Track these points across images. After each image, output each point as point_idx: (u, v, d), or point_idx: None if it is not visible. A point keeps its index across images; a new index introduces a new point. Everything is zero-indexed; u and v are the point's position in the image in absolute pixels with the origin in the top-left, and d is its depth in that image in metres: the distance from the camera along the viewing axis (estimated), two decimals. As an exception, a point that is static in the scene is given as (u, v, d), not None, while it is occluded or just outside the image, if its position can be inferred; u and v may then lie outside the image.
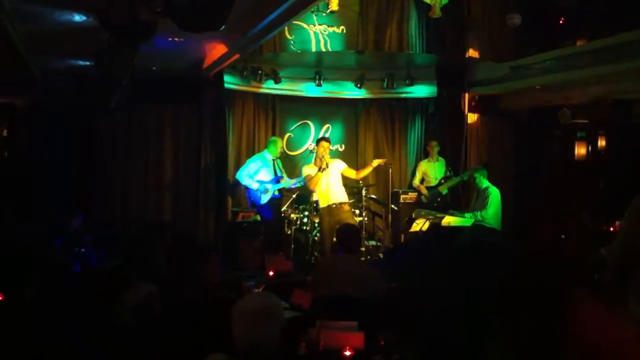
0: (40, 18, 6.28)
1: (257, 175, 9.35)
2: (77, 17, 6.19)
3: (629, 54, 7.46)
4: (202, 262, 4.10)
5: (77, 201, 8.95)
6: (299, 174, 9.81)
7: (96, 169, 9.74)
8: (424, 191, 10.15)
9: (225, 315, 2.79)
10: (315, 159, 8.83)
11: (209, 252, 4.33)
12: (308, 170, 8.75)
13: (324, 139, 8.94)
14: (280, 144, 9.72)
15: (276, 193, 9.47)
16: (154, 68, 8.88)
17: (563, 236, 9.34)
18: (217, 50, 8.15)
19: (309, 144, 11.23)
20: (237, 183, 9.72)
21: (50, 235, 6.30)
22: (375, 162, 8.96)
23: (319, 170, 8.54)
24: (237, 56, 8.35)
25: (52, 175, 9.18)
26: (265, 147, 9.75)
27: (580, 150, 10.11)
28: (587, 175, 9.64)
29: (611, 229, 7.87)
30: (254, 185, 9.30)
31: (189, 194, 10.20)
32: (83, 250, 6.59)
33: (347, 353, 3.91)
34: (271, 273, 6.62)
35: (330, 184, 8.68)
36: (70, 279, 4.32)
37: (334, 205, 8.66)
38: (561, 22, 9.09)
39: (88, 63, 8.15)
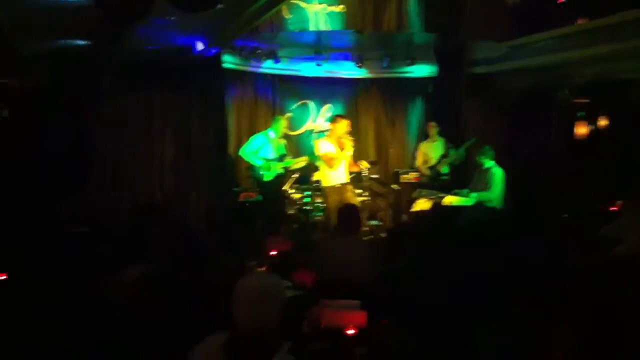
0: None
1: (261, 153, 9.34)
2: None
3: (628, 33, 7.43)
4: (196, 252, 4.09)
5: (68, 187, 8.87)
6: (300, 155, 9.83)
7: (87, 154, 9.63)
8: (425, 171, 10.15)
9: (227, 293, 2.80)
10: (331, 136, 8.68)
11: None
12: (327, 147, 8.55)
13: (340, 116, 8.89)
14: (284, 123, 9.67)
15: (280, 171, 9.45)
16: (148, 47, 8.81)
17: (565, 215, 9.33)
18: (213, 30, 8.09)
19: (309, 124, 11.22)
20: (239, 162, 9.72)
21: (40, 223, 6.27)
22: (364, 165, 9.23)
23: (341, 149, 8.50)
24: (234, 35, 8.30)
25: (41, 160, 9.09)
26: (269, 126, 9.72)
27: (581, 129, 10.10)
28: (587, 155, 9.64)
29: (612, 208, 7.87)
30: (257, 162, 9.30)
31: (191, 173, 10.17)
32: (73, 236, 6.55)
33: (350, 331, 3.94)
34: (273, 253, 6.63)
35: (341, 165, 8.66)
36: (59, 266, 4.30)
37: (339, 185, 8.64)
38: (559, 1, 9.05)
39: (81, 44, 8.11)
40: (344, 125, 8.54)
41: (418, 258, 4.64)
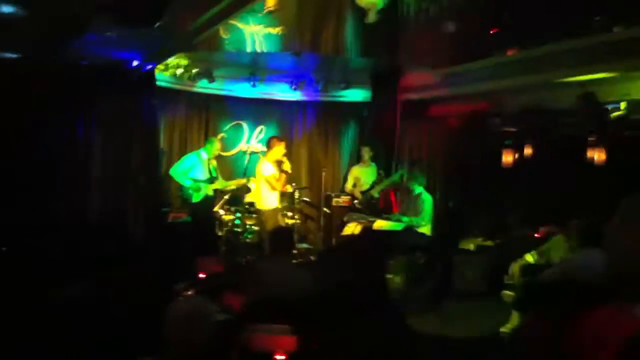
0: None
1: (192, 173, 9.22)
2: (5, 9, 5.94)
3: (553, 64, 7.68)
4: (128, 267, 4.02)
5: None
6: (232, 176, 9.77)
7: (14, 166, 9.27)
8: (359, 195, 10.21)
9: (155, 317, 2.74)
10: (267, 157, 8.78)
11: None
12: (271, 169, 8.65)
13: (277, 138, 8.99)
14: (217, 145, 9.61)
15: (210, 193, 9.35)
16: (84, 62, 8.63)
17: (490, 242, 9.52)
18: (150, 46, 7.98)
19: (243, 145, 11.15)
20: (169, 181, 9.57)
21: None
22: (288, 189, 9.39)
23: (283, 172, 8.65)
24: (169, 54, 8.22)
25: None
26: (200, 146, 9.62)
27: (507, 157, 10.34)
28: (514, 182, 9.86)
29: (536, 235, 8.08)
30: (187, 183, 9.18)
31: (120, 191, 9.92)
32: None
33: (279, 357, 3.88)
34: (202, 275, 6.52)
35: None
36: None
37: (275, 208, 8.76)
38: (493, 32, 9.29)
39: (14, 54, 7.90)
40: (281, 147, 8.69)
41: (349, 281, 4.62)
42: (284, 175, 8.71)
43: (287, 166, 8.72)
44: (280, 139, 9.04)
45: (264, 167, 8.70)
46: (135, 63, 8.69)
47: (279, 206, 8.82)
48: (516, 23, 8.59)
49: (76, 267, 4.32)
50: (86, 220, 8.87)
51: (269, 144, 8.87)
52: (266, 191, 8.69)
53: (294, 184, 9.98)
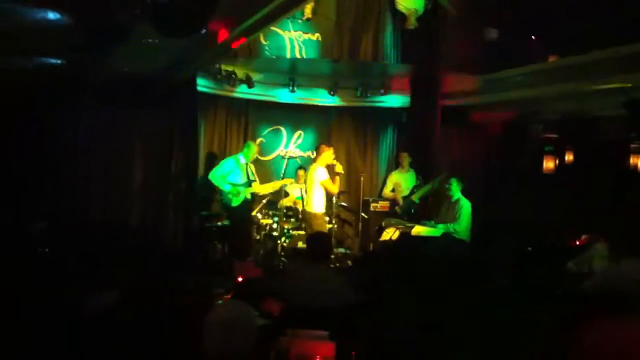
0: (12, 14, 6.16)
1: (230, 177, 9.30)
2: (52, 15, 6.08)
3: (595, 73, 7.59)
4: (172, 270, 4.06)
5: (42, 204, 8.72)
6: (270, 180, 9.85)
7: (64, 172, 9.48)
8: (400, 200, 10.17)
9: (195, 322, 2.75)
10: (319, 163, 8.85)
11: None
12: (325, 174, 8.80)
13: (325, 144, 9.17)
14: (255, 149, 9.66)
15: (248, 197, 9.41)
16: (126, 69, 8.77)
17: (530, 249, 9.41)
18: (192, 53, 8.08)
19: (281, 150, 11.21)
20: (209, 185, 9.66)
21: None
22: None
23: (337, 174, 8.91)
24: (211, 59, 8.31)
25: (11, 181, 8.91)
26: (239, 150, 9.69)
27: (549, 164, 10.22)
28: (554, 190, 9.75)
29: (578, 242, 7.97)
30: (226, 187, 9.25)
31: (159, 198, 10.05)
32: (46, 253, 6.45)
33: (318, 363, 3.89)
34: (240, 279, 6.57)
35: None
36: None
37: (323, 212, 8.96)
38: (533, 38, 9.21)
39: (59, 62, 8.04)
40: (331, 152, 8.85)
41: (387, 287, 4.62)
42: (337, 178, 8.93)
43: (339, 168, 8.92)
44: (328, 144, 9.21)
45: (317, 173, 8.78)
46: (176, 70, 8.79)
47: (324, 210, 8.89)
48: (557, 30, 8.51)
49: (113, 270, 4.37)
50: (123, 224, 8.99)
51: (318, 150, 8.98)
52: (320, 196, 8.80)
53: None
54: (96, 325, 3.59)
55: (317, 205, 8.82)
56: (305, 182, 9.38)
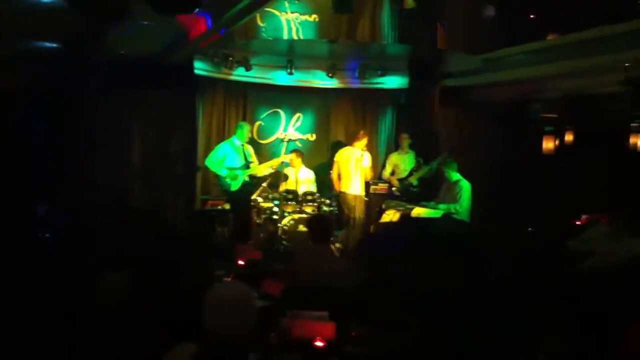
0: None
1: (227, 161, 9.25)
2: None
3: (595, 50, 7.53)
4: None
5: (44, 187, 8.71)
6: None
7: (65, 154, 9.46)
8: (396, 183, 10.18)
9: (196, 303, 2.75)
10: (359, 147, 9.78)
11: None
12: (369, 161, 10.02)
13: (364, 131, 10.12)
14: (248, 129, 9.59)
15: (247, 179, 9.38)
16: (122, 52, 8.71)
17: (530, 229, 9.41)
18: (187, 34, 8.01)
19: (280, 133, 11.15)
20: (207, 170, 9.63)
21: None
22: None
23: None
24: (207, 41, 8.24)
25: (19, 160, 8.91)
26: (234, 133, 9.65)
27: (548, 144, 10.19)
28: (556, 169, 9.73)
29: (578, 222, 7.96)
30: (223, 172, 9.22)
31: (159, 180, 10.03)
32: (48, 237, 6.42)
33: (318, 343, 3.88)
34: (241, 262, 6.55)
35: None
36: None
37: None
38: (532, 16, 9.15)
39: (57, 46, 7.99)
40: (366, 140, 9.81)
41: (388, 268, 4.60)
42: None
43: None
44: (365, 132, 10.09)
45: (365, 159, 9.82)
46: (173, 52, 8.74)
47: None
48: (557, 7, 8.45)
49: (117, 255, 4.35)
50: (124, 209, 8.97)
51: (358, 137, 9.84)
52: (359, 180, 9.75)
53: (331, 172, 10.08)
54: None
55: (359, 187, 9.71)
56: (337, 166, 9.97)
